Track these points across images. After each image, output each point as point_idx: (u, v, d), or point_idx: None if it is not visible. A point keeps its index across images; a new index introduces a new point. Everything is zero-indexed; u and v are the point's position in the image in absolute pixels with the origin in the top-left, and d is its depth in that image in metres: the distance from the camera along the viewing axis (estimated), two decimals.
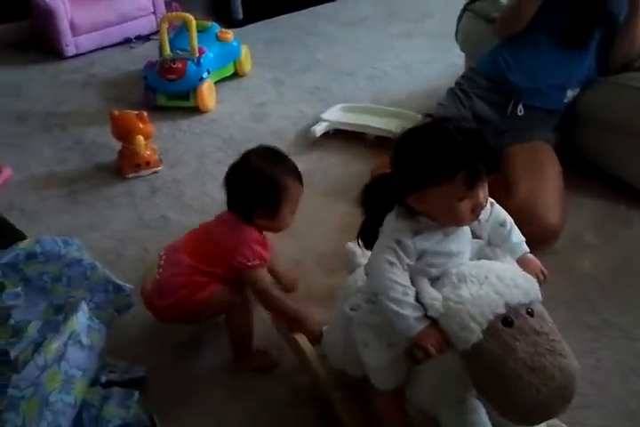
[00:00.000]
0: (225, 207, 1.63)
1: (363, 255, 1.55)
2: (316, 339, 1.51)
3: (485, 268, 1.15)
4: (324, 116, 2.54)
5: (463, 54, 2.65)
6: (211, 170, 2.36)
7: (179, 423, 1.50)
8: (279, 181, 1.54)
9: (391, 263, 1.14)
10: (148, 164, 2.33)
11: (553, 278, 1.86)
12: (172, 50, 2.74)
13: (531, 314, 1.10)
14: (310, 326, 1.53)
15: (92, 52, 3.28)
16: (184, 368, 1.64)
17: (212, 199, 2.21)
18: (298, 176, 1.60)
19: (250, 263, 1.52)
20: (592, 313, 1.79)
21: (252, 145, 2.46)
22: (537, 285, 1.15)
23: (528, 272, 1.19)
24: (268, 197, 1.54)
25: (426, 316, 1.13)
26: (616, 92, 2.08)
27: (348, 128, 2.53)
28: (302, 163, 2.39)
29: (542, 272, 1.26)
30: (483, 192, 1.13)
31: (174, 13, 2.86)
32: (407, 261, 1.15)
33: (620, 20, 2.05)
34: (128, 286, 1.68)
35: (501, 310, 1.08)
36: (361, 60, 3.15)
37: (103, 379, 1.46)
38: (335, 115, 2.56)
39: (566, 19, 2.03)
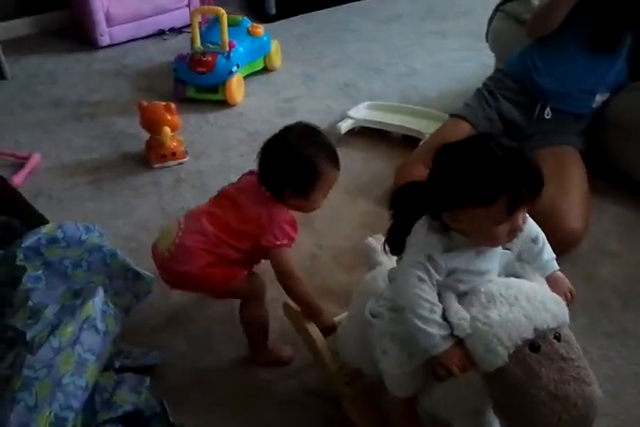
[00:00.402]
0: None
1: (383, 252, 1.54)
2: (328, 330, 1.51)
3: (515, 288, 1.13)
4: (350, 113, 2.54)
5: (494, 54, 2.62)
6: (235, 163, 2.38)
7: (188, 411, 1.52)
8: (317, 165, 1.48)
9: (421, 279, 1.12)
10: (173, 155, 2.36)
11: (572, 284, 1.86)
12: (202, 43, 2.76)
13: (558, 339, 1.08)
14: (324, 316, 1.52)
15: (125, 42, 3.32)
16: (198, 358, 1.66)
17: None
18: (336, 160, 1.54)
19: (278, 242, 1.47)
20: (610, 321, 1.77)
21: None
22: (566, 308, 1.12)
23: (556, 291, 1.17)
24: (303, 180, 1.49)
25: (451, 334, 1.11)
26: None
27: (374, 126, 2.52)
28: None
29: (570, 291, 1.23)
30: (522, 216, 1.10)
31: (206, 7, 2.89)
32: (437, 277, 1.13)
33: None
34: (147, 273, 1.71)
35: (529, 335, 1.06)
36: (393, 58, 3.14)
37: (117, 364, 1.49)
38: (361, 112, 2.56)
39: (597, 22, 2.01)
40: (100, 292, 1.43)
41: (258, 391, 1.58)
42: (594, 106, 2.11)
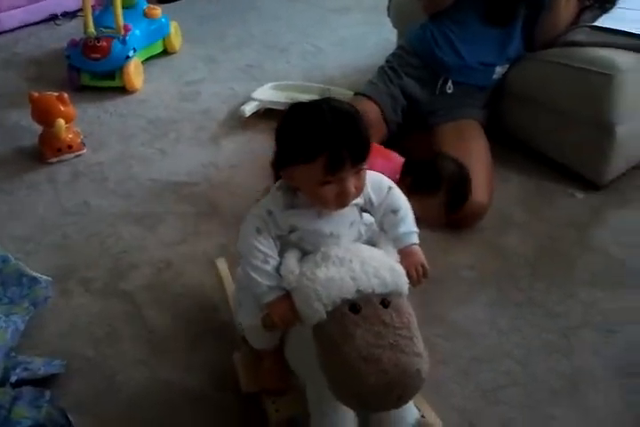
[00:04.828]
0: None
1: None
2: None
3: (353, 252, 1.13)
4: (255, 95, 2.48)
5: (396, 30, 2.60)
6: (136, 152, 2.29)
7: (96, 420, 1.44)
8: None
9: (258, 230, 1.15)
10: (70, 147, 2.24)
11: (481, 256, 1.88)
12: (96, 28, 2.62)
13: (385, 305, 1.07)
14: None
15: (15, 29, 3.13)
16: (104, 362, 1.59)
17: (137, 183, 2.15)
18: None
19: None
20: (519, 290, 1.79)
21: (178, 125, 2.43)
22: (404, 278, 1.12)
23: (406, 265, 1.16)
24: None
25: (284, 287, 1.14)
26: (540, 68, 2.06)
27: (279, 107, 2.46)
28: (232, 143, 2.36)
29: (423, 267, 1.20)
30: (353, 180, 1.10)
31: None
32: (276, 231, 1.15)
33: None
34: (45, 277, 1.62)
35: (351, 296, 1.06)
36: (297, 37, 3.08)
37: (13, 379, 1.39)
38: (265, 93, 2.50)
39: None
40: None
41: (168, 392, 1.51)
42: (494, 77, 2.12)
